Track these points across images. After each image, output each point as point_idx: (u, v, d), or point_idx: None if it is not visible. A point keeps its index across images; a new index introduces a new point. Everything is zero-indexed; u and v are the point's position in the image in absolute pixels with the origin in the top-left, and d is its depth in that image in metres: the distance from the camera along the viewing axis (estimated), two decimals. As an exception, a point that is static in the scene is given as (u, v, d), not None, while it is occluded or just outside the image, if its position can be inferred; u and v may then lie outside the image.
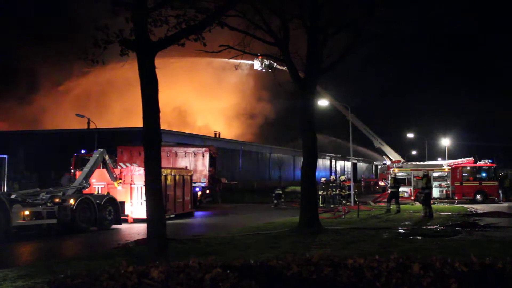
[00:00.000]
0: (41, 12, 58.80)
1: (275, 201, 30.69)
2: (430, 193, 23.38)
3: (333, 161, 72.92)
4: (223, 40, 17.71)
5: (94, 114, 51.41)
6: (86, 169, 20.00)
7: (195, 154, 29.78)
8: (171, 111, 56.15)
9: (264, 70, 40.83)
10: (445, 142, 60.66)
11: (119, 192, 20.91)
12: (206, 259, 4.62)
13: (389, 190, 26.30)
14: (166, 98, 53.60)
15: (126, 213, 20.80)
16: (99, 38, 9.54)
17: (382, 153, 44.53)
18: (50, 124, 49.38)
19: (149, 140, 10.27)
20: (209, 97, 60.75)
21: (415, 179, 32.97)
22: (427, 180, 23.18)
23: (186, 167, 27.23)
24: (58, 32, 53.65)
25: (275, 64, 30.49)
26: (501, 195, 32.05)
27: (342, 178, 33.33)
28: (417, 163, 37.49)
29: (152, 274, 4.20)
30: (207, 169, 29.76)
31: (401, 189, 33.11)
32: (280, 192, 31.65)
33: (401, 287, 3.96)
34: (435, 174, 32.97)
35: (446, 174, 32.63)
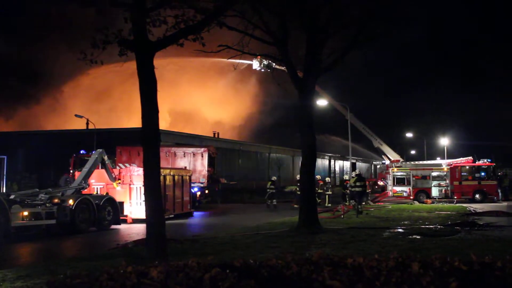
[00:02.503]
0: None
1: (273, 201, 29.56)
2: (364, 191, 24.77)
3: (332, 161, 72.91)
4: (222, 40, 17.70)
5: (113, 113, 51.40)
6: (85, 169, 19.99)
7: (194, 154, 29.74)
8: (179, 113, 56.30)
9: (263, 70, 40.79)
10: (444, 141, 60.73)
11: (118, 193, 20.89)
12: (205, 259, 4.62)
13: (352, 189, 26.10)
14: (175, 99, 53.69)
15: (125, 213, 20.78)
16: (97, 38, 9.54)
17: (381, 153, 44.55)
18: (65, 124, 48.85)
19: (148, 140, 10.28)
20: (216, 102, 60.96)
21: (414, 178, 33.04)
22: (358, 179, 24.75)
23: (185, 167, 27.22)
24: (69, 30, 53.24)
25: (274, 64, 30.48)
26: (500, 194, 32.08)
27: (346, 177, 33.17)
28: (416, 162, 37.51)
29: (151, 274, 4.20)
30: (206, 169, 29.72)
31: (399, 188, 33.35)
32: (269, 191, 29.30)
33: (401, 286, 3.96)
34: (434, 174, 33.02)
35: (445, 173, 32.67)
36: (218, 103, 61.16)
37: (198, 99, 59.66)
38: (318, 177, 30.92)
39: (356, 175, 26.63)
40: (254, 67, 41.35)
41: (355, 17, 17.61)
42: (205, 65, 56.07)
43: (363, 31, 17.73)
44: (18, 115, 54.06)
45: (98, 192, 20.67)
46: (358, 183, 24.56)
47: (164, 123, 45.50)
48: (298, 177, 25.05)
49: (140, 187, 20.31)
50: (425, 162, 39.98)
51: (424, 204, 30.32)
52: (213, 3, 11.54)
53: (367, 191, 31.26)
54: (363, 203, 25.27)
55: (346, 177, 33.39)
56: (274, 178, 32.05)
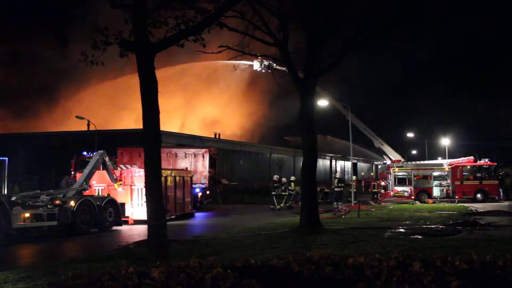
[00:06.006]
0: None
1: (290, 202, 29.92)
2: (341, 191, 28.02)
3: (333, 161, 72.88)
4: (223, 41, 17.72)
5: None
6: (86, 171, 19.99)
7: (195, 155, 29.75)
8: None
9: (263, 71, 40.81)
10: (445, 141, 60.66)
11: (120, 194, 20.91)
12: (207, 259, 4.62)
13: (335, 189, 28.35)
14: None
15: (126, 214, 20.80)
16: (98, 39, 9.53)
17: (382, 153, 44.50)
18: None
19: (149, 141, 10.27)
20: (221, 106, 61.16)
21: (415, 178, 33.03)
22: (338, 181, 28.03)
23: (186, 168, 27.24)
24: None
25: (275, 64, 30.51)
26: (501, 194, 32.06)
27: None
28: (418, 162, 37.49)
29: (152, 274, 4.20)
30: (207, 170, 29.73)
31: (401, 188, 33.38)
32: (290, 192, 30.07)
33: (402, 285, 3.95)
34: (436, 174, 33.01)
35: (447, 173, 32.66)
36: (223, 107, 61.35)
37: (207, 106, 59.91)
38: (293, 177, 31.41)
39: (337, 177, 29.23)
40: (254, 68, 41.39)
41: (354, 18, 17.61)
42: (208, 70, 56.24)
43: (361, 32, 17.73)
44: (18, 117, 54.14)
45: (100, 194, 20.68)
46: (339, 184, 27.81)
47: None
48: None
49: (141, 188, 20.34)
50: (426, 162, 39.96)
51: (425, 204, 30.33)
52: (213, 4, 11.55)
53: (376, 190, 32.36)
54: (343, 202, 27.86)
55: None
56: (293, 177, 31.87)
